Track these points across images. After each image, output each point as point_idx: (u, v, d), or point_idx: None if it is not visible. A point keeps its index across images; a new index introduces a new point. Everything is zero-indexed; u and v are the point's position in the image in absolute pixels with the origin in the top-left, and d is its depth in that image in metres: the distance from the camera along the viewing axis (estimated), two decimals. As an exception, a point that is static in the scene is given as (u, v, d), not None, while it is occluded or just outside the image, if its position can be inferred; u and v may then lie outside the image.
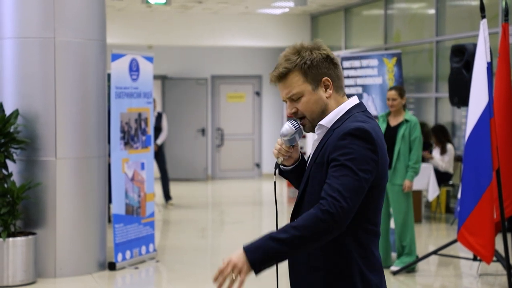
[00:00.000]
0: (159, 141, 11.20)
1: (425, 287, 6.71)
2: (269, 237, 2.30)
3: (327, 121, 2.49)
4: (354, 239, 2.41)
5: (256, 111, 15.77)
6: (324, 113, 2.49)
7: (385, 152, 2.45)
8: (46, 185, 6.73)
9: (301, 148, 2.65)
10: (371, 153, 2.36)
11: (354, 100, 2.54)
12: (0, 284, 6.37)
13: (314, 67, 2.46)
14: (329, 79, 2.48)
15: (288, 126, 2.54)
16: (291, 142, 2.57)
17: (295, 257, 2.49)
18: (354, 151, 2.34)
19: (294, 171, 2.65)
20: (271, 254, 2.29)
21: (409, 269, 6.99)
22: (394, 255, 7.30)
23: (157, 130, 11.17)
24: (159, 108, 11.53)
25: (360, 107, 2.52)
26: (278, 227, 2.47)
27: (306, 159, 2.67)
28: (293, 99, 2.50)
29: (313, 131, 2.55)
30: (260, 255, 2.28)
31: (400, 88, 7.00)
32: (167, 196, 11.45)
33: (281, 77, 2.49)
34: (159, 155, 11.29)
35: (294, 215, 2.51)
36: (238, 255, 2.30)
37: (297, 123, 2.54)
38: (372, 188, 2.39)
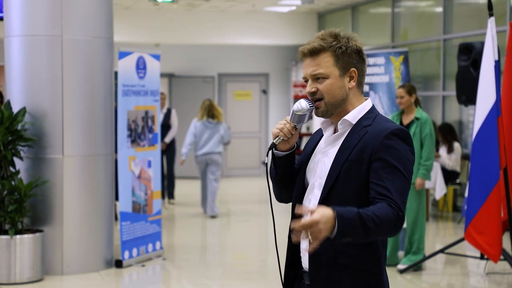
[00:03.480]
0: (167, 139, 10.99)
1: (432, 285, 6.70)
2: (358, 216, 2.24)
3: (352, 117, 2.50)
4: (383, 240, 2.51)
5: (263, 109, 15.77)
6: (344, 102, 2.51)
7: None
8: (53, 182, 6.74)
9: (308, 128, 2.62)
10: (412, 154, 2.44)
11: (370, 101, 2.59)
12: (7, 281, 6.39)
13: (347, 55, 2.49)
14: (355, 71, 2.51)
15: (303, 102, 2.51)
16: (300, 121, 2.54)
17: (318, 253, 2.44)
18: (401, 152, 2.40)
19: (286, 158, 2.60)
20: (352, 232, 2.24)
21: (416, 267, 6.98)
22: (401, 253, 7.29)
23: (166, 127, 10.96)
24: (167, 105, 11.37)
25: (375, 108, 2.59)
26: (274, 212, 2.57)
27: (309, 152, 2.63)
28: (317, 78, 2.49)
29: (324, 116, 2.53)
30: (347, 228, 2.22)
31: (408, 86, 6.99)
32: (170, 194, 11.42)
33: (314, 52, 2.49)
34: (168, 154, 11.19)
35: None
36: (328, 218, 2.18)
37: (312, 103, 2.52)
38: None
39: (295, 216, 2.57)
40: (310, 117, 2.57)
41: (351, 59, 2.50)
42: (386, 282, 2.52)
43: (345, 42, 2.49)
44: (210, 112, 10.15)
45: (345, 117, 2.50)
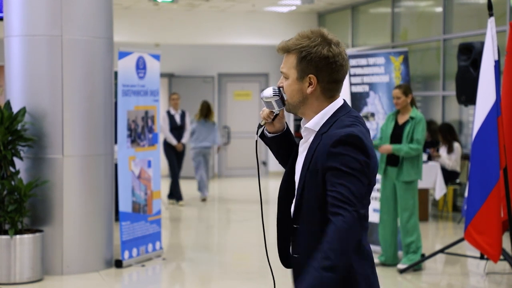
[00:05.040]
0: (184, 140, 11.19)
1: (432, 285, 6.70)
2: (314, 270, 2.33)
3: (313, 124, 2.51)
4: None
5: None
6: (302, 105, 2.53)
7: (374, 152, 2.48)
8: (53, 182, 6.74)
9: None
10: (364, 156, 2.40)
11: (339, 102, 2.55)
12: (7, 281, 6.39)
13: (307, 61, 2.48)
14: (314, 78, 2.49)
15: (269, 90, 2.59)
16: (269, 106, 2.61)
17: (296, 257, 2.54)
18: (348, 157, 2.38)
19: (274, 140, 2.71)
20: (324, 285, 2.33)
21: (416, 267, 6.99)
22: (401, 253, 7.29)
23: (183, 128, 11.23)
24: (170, 106, 11.47)
25: (345, 108, 2.54)
26: (269, 211, 2.51)
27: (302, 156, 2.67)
28: (284, 77, 2.56)
29: (290, 112, 2.60)
30: None
31: (404, 86, 7.01)
32: (172, 195, 11.45)
33: (283, 50, 2.55)
34: (179, 155, 11.26)
35: (296, 220, 2.54)
36: None
37: (279, 91, 2.58)
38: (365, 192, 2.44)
39: (281, 208, 2.65)
40: (283, 105, 2.60)
41: (311, 66, 2.47)
42: (364, 282, 2.48)
43: (311, 47, 2.46)
44: (208, 114, 11.63)
45: (306, 125, 2.53)
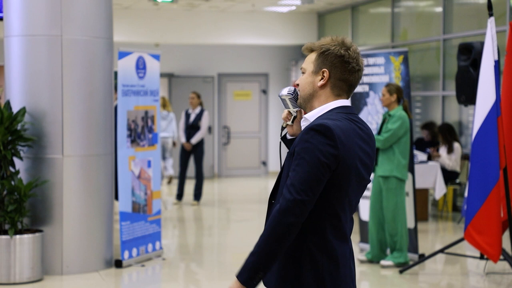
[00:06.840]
0: (194, 140, 11.11)
1: (431, 285, 6.70)
2: (250, 254, 2.50)
3: (311, 115, 2.64)
4: (311, 227, 2.54)
5: (263, 109, 15.77)
6: (311, 98, 2.65)
7: (352, 152, 2.52)
8: (53, 182, 6.74)
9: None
10: (330, 147, 2.48)
11: (342, 102, 2.64)
12: (7, 281, 6.39)
13: (324, 56, 2.62)
14: (327, 73, 2.62)
15: (285, 88, 2.74)
16: (285, 104, 2.75)
17: None
18: (312, 144, 2.48)
19: (291, 142, 2.80)
20: (255, 269, 2.48)
21: (399, 264, 6.99)
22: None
23: (195, 128, 11.16)
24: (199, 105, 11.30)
25: (343, 108, 2.62)
26: None
27: None
28: (302, 72, 2.70)
29: (301, 108, 2.71)
30: (247, 274, 2.48)
31: (390, 85, 7.05)
32: (197, 196, 11.36)
33: (307, 49, 2.69)
34: (196, 154, 11.24)
35: (273, 195, 2.67)
36: (234, 283, 2.50)
37: (294, 91, 2.72)
38: (331, 185, 2.50)
39: (269, 204, 2.74)
40: (297, 106, 2.71)
41: (327, 61, 2.62)
42: (328, 278, 2.53)
43: (331, 45, 2.63)
44: (164, 104, 12.87)
45: (305, 115, 2.65)
